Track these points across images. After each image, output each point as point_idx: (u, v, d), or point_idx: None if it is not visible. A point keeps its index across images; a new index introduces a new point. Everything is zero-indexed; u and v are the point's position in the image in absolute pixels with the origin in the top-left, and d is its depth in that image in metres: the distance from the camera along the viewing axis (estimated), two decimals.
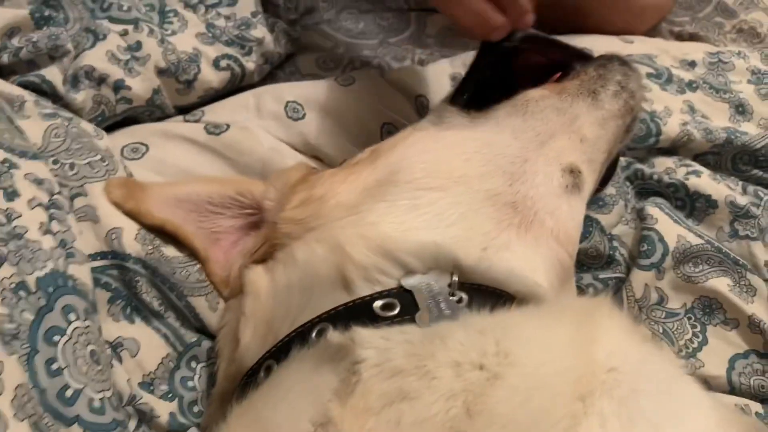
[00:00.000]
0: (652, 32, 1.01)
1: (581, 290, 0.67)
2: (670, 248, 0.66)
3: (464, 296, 0.47)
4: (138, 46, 0.70)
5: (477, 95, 0.64)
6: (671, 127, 0.75)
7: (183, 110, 0.75)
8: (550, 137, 0.58)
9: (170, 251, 0.56)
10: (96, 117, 0.68)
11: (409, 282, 0.47)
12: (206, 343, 0.56)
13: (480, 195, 0.53)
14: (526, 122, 0.59)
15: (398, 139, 0.61)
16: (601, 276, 0.67)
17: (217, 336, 0.56)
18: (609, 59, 0.64)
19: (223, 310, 0.57)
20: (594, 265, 0.68)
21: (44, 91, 0.64)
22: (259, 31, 0.80)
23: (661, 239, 0.67)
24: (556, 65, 0.66)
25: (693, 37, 1.01)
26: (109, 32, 0.69)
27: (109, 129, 0.69)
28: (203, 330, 0.57)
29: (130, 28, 0.70)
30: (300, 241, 0.53)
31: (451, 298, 0.46)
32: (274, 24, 0.84)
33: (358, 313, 0.46)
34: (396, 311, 0.45)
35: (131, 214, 0.56)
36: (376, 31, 0.94)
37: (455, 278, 0.48)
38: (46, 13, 0.66)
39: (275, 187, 0.60)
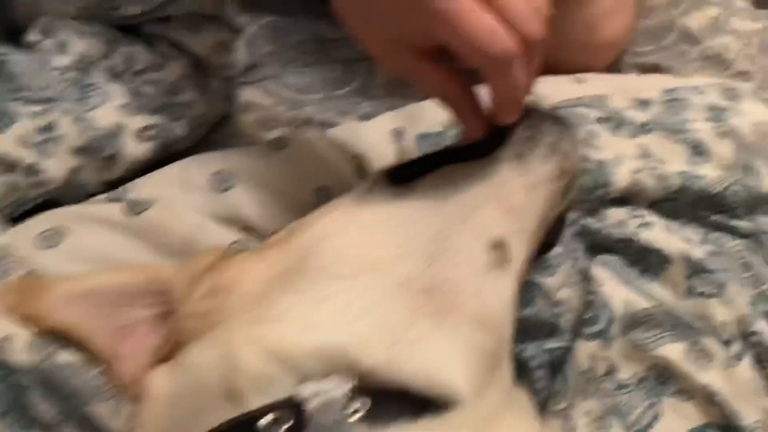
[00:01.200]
0: (612, 66, 0.98)
1: (523, 364, 0.63)
2: (617, 314, 0.62)
3: (363, 404, 0.43)
4: (51, 127, 0.68)
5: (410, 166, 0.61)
6: (621, 176, 0.71)
7: (110, 185, 0.73)
8: (475, 209, 0.54)
9: (66, 357, 0.53)
10: (10, 204, 0.65)
11: (302, 392, 0.44)
12: None
13: (393, 281, 0.50)
14: (448, 195, 0.55)
15: (315, 217, 0.58)
16: (546, 346, 0.63)
17: None
18: (540, 119, 0.60)
19: (129, 416, 0.54)
20: (537, 334, 0.64)
21: None
22: (189, 95, 0.78)
23: (606, 304, 0.63)
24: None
25: (656, 69, 0.97)
26: (21, 114, 0.67)
27: (29, 212, 0.68)
28: None
29: (43, 108, 0.68)
30: (198, 342, 0.50)
31: (345, 410, 0.43)
32: (207, 84, 0.81)
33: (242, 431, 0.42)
34: (283, 428, 0.42)
35: (25, 320, 0.53)
36: (321, 84, 0.91)
37: (354, 384, 0.44)
38: None
39: (183, 275, 0.57)
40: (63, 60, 0.75)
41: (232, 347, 0.46)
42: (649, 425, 0.59)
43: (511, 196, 0.55)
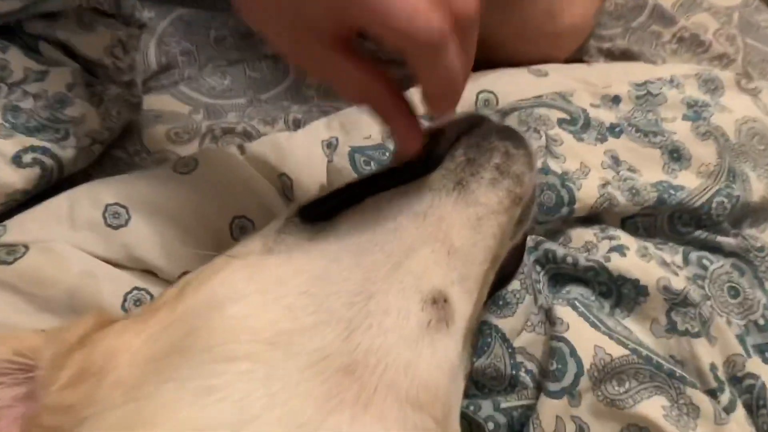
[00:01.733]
0: (576, 54, 0.87)
1: (479, 426, 0.53)
2: (585, 365, 0.52)
3: None
4: None
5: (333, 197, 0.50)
6: (587, 192, 0.61)
7: None
8: (407, 254, 0.44)
9: None
10: None
11: None
12: None
13: (303, 361, 0.39)
14: (375, 236, 0.45)
15: (210, 272, 0.46)
16: (504, 405, 0.54)
17: None
18: (485, 134, 0.50)
19: None
20: (495, 388, 0.55)
21: None
22: (78, 108, 0.66)
23: (573, 353, 0.53)
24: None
25: (625, 55, 0.87)
26: None
27: None
28: None
29: None
30: None
31: None
32: (103, 92, 0.69)
33: None
34: None
35: None
36: (245, 85, 0.79)
37: None
38: None
39: (48, 351, 0.46)
40: None
41: None
42: None
43: (452, 235, 0.45)
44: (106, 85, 0.70)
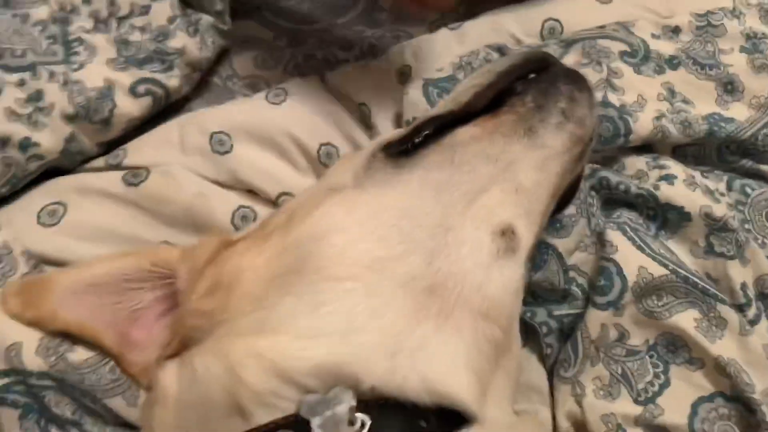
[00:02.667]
0: None
1: (534, 329, 0.63)
2: (630, 283, 0.61)
3: (366, 420, 0.44)
4: (39, 95, 0.65)
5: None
6: (643, 124, 0.67)
7: (107, 145, 0.71)
8: (480, 193, 0.51)
9: (78, 355, 0.54)
10: (9, 180, 0.64)
11: (306, 407, 0.44)
12: None
13: (395, 282, 0.48)
14: (452, 177, 0.52)
15: (312, 204, 0.55)
16: (556, 312, 0.63)
17: None
18: (553, 79, 0.56)
19: (143, 406, 0.55)
20: (549, 298, 0.64)
21: None
22: (179, 39, 0.73)
23: (620, 272, 0.61)
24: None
25: None
26: (5, 85, 0.64)
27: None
28: (128, 424, 0.56)
29: (27, 76, 0.65)
30: (202, 346, 0.50)
31: (349, 426, 0.43)
32: (198, 21, 0.76)
33: None
34: None
35: (33, 323, 0.54)
36: (322, 11, 0.85)
37: (353, 402, 0.44)
38: None
39: (185, 266, 0.57)
40: (41, 11, 0.71)
41: (235, 361, 0.46)
42: (658, 393, 0.59)
43: (519, 175, 0.52)
44: (200, 14, 0.76)
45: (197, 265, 0.56)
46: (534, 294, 0.64)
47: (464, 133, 0.55)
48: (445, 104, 0.61)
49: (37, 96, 0.65)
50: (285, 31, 0.83)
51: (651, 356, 0.60)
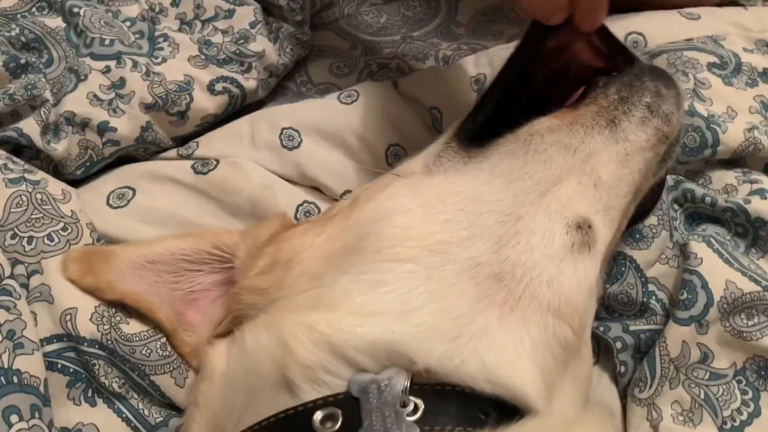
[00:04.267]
0: None
1: (607, 345, 0.58)
2: (716, 298, 0.55)
3: (420, 404, 0.40)
4: (122, 83, 0.67)
5: (488, 121, 0.56)
6: (733, 135, 0.63)
7: (182, 140, 0.72)
8: (555, 183, 0.48)
9: (131, 328, 0.53)
10: (84, 163, 0.66)
11: (356, 386, 0.42)
12: (175, 421, 0.54)
13: (458, 267, 0.45)
14: (526, 165, 0.49)
15: (379, 187, 0.54)
16: (632, 328, 0.58)
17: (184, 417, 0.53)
18: (638, 74, 0.53)
19: (192, 385, 0.54)
20: (625, 312, 0.59)
21: (24, 144, 0.62)
22: (259, 44, 0.75)
23: (705, 286, 0.56)
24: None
25: None
26: (91, 71, 0.66)
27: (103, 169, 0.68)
28: (174, 405, 0.54)
29: (112, 64, 0.67)
30: (255, 321, 0.48)
31: (402, 408, 0.40)
32: (279, 30, 0.77)
33: (296, 425, 0.41)
34: (338, 425, 0.40)
35: (90, 290, 0.54)
36: (399, 24, 0.85)
37: (407, 383, 0.41)
38: (23, 60, 0.65)
39: (246, 243, 0.56)
40: (133, 10, 0.74)
41: (287, 333, 0.44)
42: (747, 422, 0.53)
43: (599, 169, 0.49)
44: (281, 23, 0.78)
45: (257, 243, 0.55)
46: (608, 308, 0.60)
47: (541, 123, 0.52)
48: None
49: (119, 83, 0.66)
50: (361, 42, 0.84)
51: (739, 381, 0.55)
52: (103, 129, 0.65)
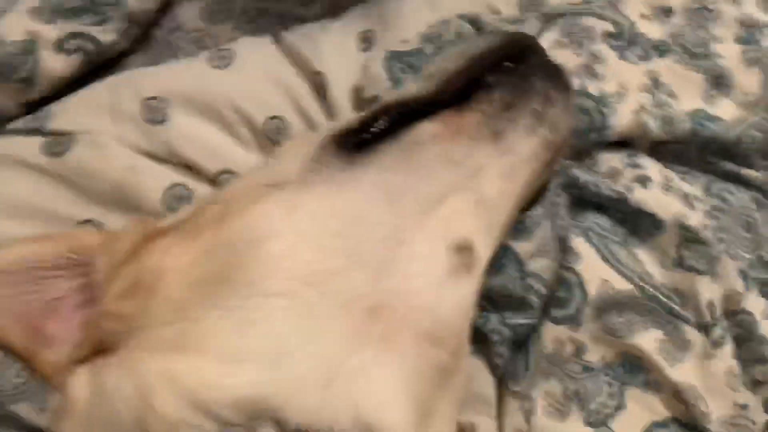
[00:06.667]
0: None
1: (484, 336, 0.60)
2: (590, 296, 0.58)
3: None
4: None
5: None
6: (622, 118, 0.63)
7: (32, 105, 0.65)
8: (438, 202, 0.47)
9: None
10: None
11: None
12: None
13: (335, 300, 0.44)
14: (409, 181, 0.48)
15: (251, 197, 0.50)
16: (509, 321, 0.60)
17: None
18: (526, 74, 0.51)
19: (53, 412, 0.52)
20: (503, 306, 0.60)
21: None
22: None
23: (581, 285, 0.58)
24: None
25: None
26: None
27: None
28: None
29: None
30: (116, 356, 0.46)
31: None
32: None
33: None
34: None
35: None
36: None
37: None
38: None
39: (104, 258, 0.52)
40: None
41: (147, 382, 0.43)
42: (610, 415, 0.57)
43: (483, 184, 0.48)
44: None
45: (115, 260, 0.51)
46: (489, 299, 0.61)
47: (425, 130, 0.50)
48: (408, 88, 0.56)
49: None
50: None
51: (607, 375, 0.58)
52: None
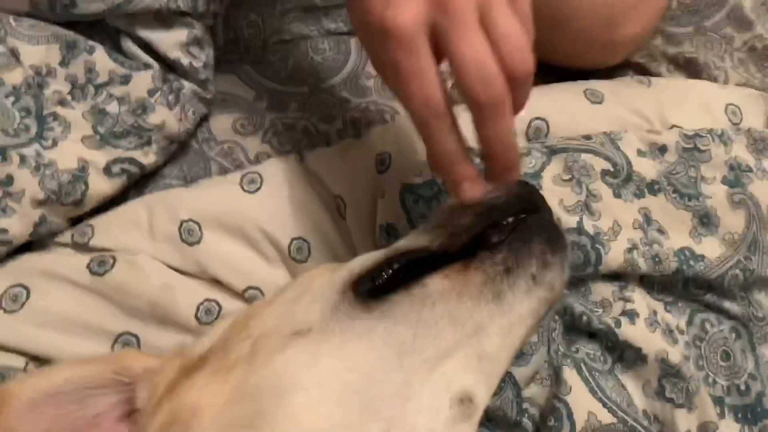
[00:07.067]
0: (644, 48, 0.90)
1: None
2: (578, 428, 0.65)
3: None
4: (9, 180, 0.65)
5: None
6: (614, 255, 0.69)
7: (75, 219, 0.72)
8: (443, 359, 0.53)
9: None
10: None
11: None
12: None
13: None
14: (417, 338, 0.54)
15: (277, 343, 0.57)
16: None
17: None
18: (526, 237, 0.57)
19: None
20: (500, 424, 0.67)
21: None
22: (158, 115, 0.73)
23: (570, 416, 0.65)
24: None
25: (690, 64, 0.89)
26: None
27: None
28: None
29: None
30: None
31: None
32: (179, 91, 0.76)
33: None
34: None
35: None
36: (306, 71, 0.85)
37: None
38: None
39: (146, 387, 0.59)
40: (16, 76, 0.70)
41: None
42: None
43: (484, 342, 0.54)
44: (182, 82, 0.76)
45: (157, 392, 0.59)
46: (487, 417, 0.68)
47: (434, 285, 0.56)
48: (418, 235, 0.63)
49: (7, 181, 0.65)
50: (267, 92, 0.83)
51: None
52: None
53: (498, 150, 0.56)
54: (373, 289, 0.58)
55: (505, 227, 0.59)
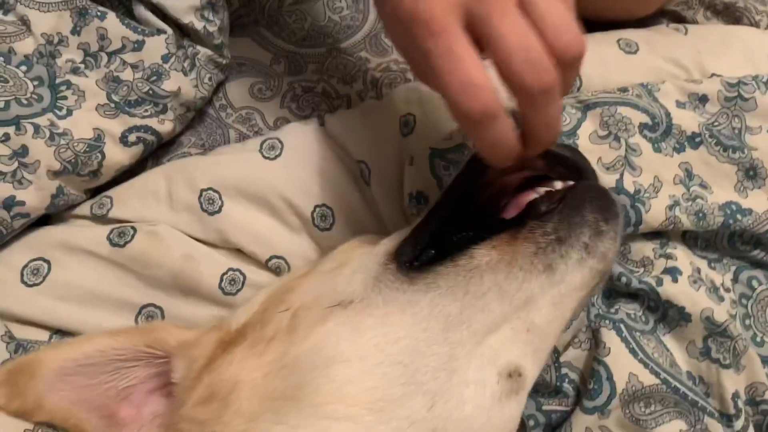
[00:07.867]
0: None
1: (522, 422, 0.66)
2: (618, 390, 0.63)
3: None
4: (24, 151, 0.65)
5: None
6: (655, 213, 0.67)
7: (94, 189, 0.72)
8: (489, 331, 0.52)
9: None
10: None
11: None
12: None
13: (393, 426, 0.50)
14: (464, 311, 0.52)
15: (317, 315, 0.56)
16: (545, 407, 0.66)
17: None
18: (578, 206, 0.55)
19: None
20: (540, 391, 0.66)
21: None
22: (174, 81, 0.72)
23: (610, 378, 0.64)
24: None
25: (728, 10, 0.86)
26: None
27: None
28: None
29: (11, 130, 0.65)
30: None
31: None
32: (195, 56, 0.75)
33: None
34: None
35: (18, 414, 0.57)
36: (323, 31, 0.83)
37: None
38: None
39: (182, 361, 0.59)
40: (27, 45, 0.70)
41: None
42: None
43: (533, 314, 0.53)
44: (197, 47, 0.75)
45: (194, 365, 0.58)
46: None
47: (482, 256, 0.54)
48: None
49: (22, 151, 0.65)
50: (283, 54, 0.82)
51: None
52: (9, 204, 0.65)
53: (543, 134, 0.53)
54: (416, 260, 0.57)
55: (553, 195, 0.57)
